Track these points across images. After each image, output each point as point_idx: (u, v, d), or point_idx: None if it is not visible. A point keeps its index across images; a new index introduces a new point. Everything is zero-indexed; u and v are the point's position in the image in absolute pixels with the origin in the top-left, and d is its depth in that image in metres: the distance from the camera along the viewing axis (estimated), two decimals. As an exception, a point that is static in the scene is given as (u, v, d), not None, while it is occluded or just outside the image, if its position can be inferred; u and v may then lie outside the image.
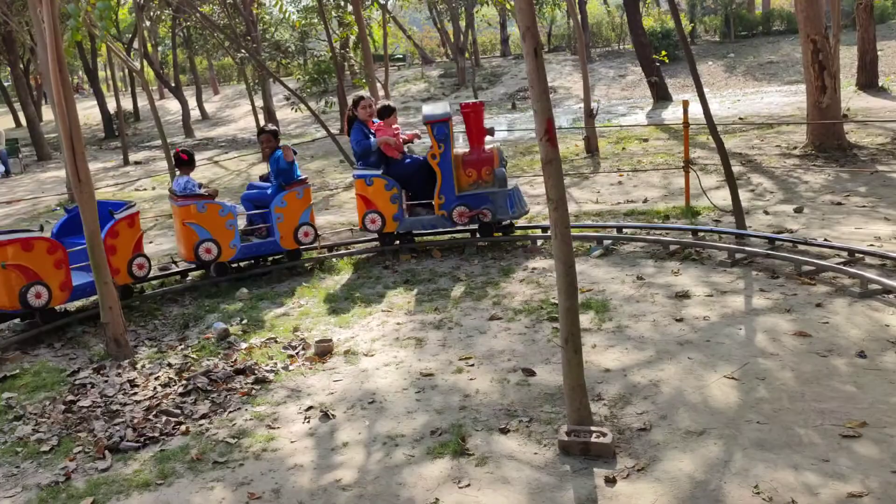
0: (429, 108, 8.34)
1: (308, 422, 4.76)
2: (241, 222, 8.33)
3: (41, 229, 7.50)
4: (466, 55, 33.89)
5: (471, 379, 5.15)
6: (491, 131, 8.53)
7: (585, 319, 6.03)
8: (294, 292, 7.43)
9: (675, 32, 30.36)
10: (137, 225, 7.51)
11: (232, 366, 5.66)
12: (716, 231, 7.83)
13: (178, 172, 8.17)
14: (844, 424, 4.06)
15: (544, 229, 8.50)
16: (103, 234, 6.66)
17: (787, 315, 5.69)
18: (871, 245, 7.12)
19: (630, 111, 21.96)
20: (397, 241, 8.59)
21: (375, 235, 8.58)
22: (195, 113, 31.89)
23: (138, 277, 7.44)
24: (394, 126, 8.69)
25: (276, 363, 5.70)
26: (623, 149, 14.88)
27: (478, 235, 8.55)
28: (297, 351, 5.95)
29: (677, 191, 10.41)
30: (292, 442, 4.52)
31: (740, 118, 17.53)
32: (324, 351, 5.82)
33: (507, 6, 16.92)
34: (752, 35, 33.24)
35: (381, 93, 18.72)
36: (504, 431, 4.39)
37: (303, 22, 26.46)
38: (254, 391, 5.26)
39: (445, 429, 4.48)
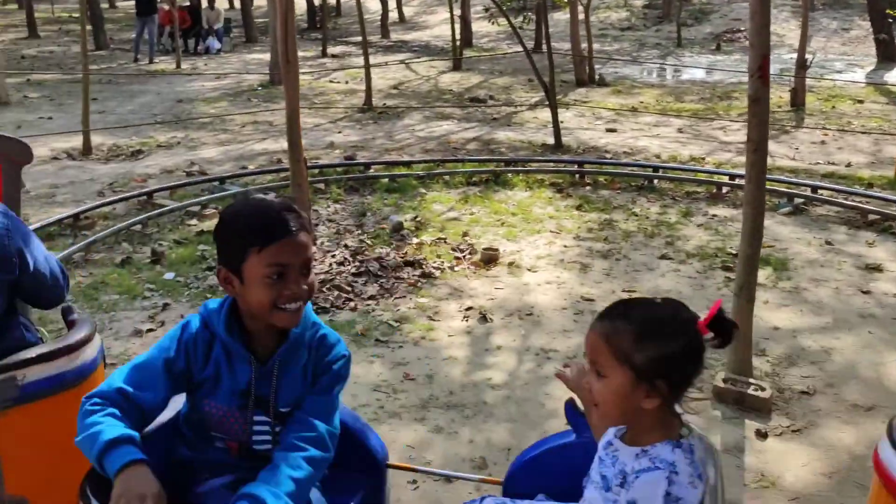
0: None
1: (466, 321, 4.93)
2: None
3: None
4: (677, -14, 32.03)
5: (631, 311, 5.11)
6: None
7: (762, 275, 5.74)
8: (467, 199, 7.57)
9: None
10: None
11: (402, 257, 5.91)
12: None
13: None
14: None
15: (732, 177, 8.09)
16: None
17: None
18: None
19: (848, 68, 20.15)
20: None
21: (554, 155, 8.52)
22: (393, 14, 32.40)
23: None
24: None
25: (442, 262, 5.90)
26: (833, 107, 13.75)
27: (658, 172, 8.32)
28: (463, 254, 6.12)
29: (887, 159, 9.55)
30: (449, 336, 4.72)
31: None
32: (489, 259, 5.94)
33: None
34: None
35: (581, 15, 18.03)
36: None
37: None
38: (419, 283, 5.49)
39: (599, 353, 4.50)
